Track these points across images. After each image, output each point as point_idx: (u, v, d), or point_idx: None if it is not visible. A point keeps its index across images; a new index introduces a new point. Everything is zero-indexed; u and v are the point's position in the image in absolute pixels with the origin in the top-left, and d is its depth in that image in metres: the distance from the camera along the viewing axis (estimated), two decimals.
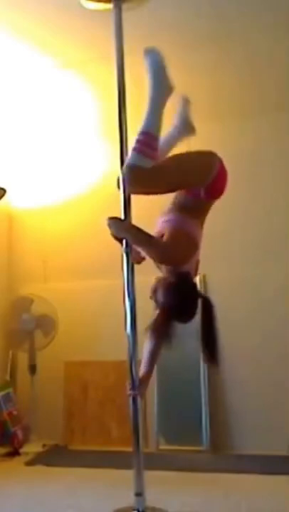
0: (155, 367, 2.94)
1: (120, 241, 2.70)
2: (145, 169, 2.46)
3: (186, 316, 2.56)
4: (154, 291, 2.60)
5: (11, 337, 4.54)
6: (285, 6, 2.96)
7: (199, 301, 2.56)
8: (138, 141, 2.46)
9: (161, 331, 2.73)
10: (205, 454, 4.02)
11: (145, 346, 2.81)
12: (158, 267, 2.70)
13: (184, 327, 2.61)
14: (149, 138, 2.45)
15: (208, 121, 4.28)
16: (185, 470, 3.61)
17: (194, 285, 2.67)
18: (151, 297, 2.66)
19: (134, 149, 2.47)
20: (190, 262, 2.62)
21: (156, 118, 2.47)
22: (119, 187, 2.72)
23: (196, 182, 2.57)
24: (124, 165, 2.56)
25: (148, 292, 2.68)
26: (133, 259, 2.74)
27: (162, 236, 2.58)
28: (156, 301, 2.63)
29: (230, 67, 3.66)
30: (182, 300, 2.56)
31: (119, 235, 2.68)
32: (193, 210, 2.60)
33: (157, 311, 2.78)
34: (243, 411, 4.12)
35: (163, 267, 2.64)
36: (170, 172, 2.57)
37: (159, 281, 2.61)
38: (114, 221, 2.65)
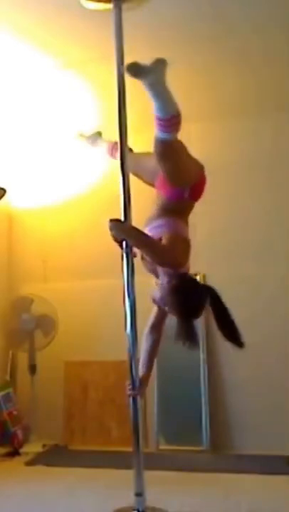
0: (155, 366, 2.94)
1: (120, 245, 2.70)
2: (171, 142, 2.48)
3: (199, 310, 2.57)
4: (161, 299, 2.60)
5: (11, 337, 4.54)
6: (285, 6, 2.96)
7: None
8: (158, 124, 2.46)
9: (163, 330, 2.77)
10: (205, 454, 4.01)
11: (143, 345, 2.82)
12: (152, 270, 2.70)
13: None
14: (165, 121, 2.44)
15: (208, 121, 4.29)
16: (185, 470, 3.61)
17: (196, 280, 2.71)
18: (159, 308, 2.70)
19: (158, 128, 2.47)
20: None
21: (164, 100, 2.44)
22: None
23: (190, 178, 2.62)
24: (154, 139, 2.54)
25: (148, 292, 2.68)
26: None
27: (160, 240, 2.59)
28: (164, 306, 2.63)
29: (230, 67, 3.66)
30: (190, 297, 2.56)
31: (120, 237, 2.68)
32: (178, 211, 2.66)
33: (155, 309, 2.80)
34: (243, 411, 4.12)
35: (160, 270, 2.64)
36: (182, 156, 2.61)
37: (161, 288, 2.61)
38: (115, 223, 2.65)
